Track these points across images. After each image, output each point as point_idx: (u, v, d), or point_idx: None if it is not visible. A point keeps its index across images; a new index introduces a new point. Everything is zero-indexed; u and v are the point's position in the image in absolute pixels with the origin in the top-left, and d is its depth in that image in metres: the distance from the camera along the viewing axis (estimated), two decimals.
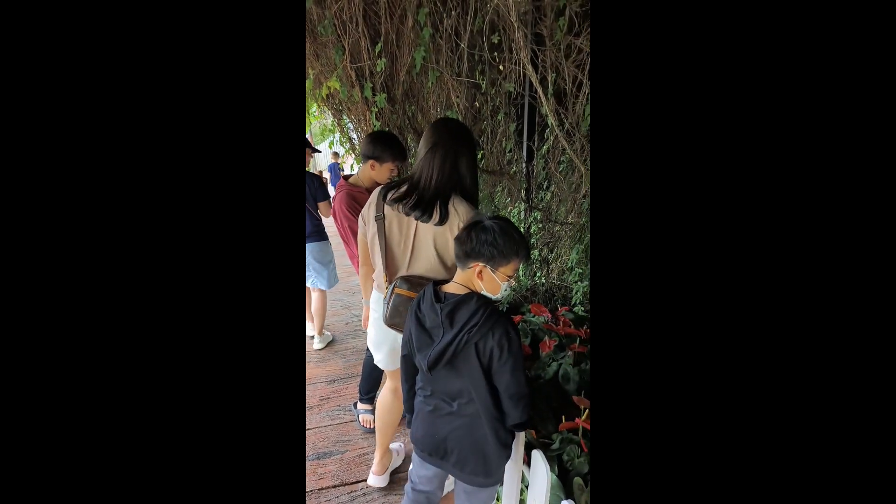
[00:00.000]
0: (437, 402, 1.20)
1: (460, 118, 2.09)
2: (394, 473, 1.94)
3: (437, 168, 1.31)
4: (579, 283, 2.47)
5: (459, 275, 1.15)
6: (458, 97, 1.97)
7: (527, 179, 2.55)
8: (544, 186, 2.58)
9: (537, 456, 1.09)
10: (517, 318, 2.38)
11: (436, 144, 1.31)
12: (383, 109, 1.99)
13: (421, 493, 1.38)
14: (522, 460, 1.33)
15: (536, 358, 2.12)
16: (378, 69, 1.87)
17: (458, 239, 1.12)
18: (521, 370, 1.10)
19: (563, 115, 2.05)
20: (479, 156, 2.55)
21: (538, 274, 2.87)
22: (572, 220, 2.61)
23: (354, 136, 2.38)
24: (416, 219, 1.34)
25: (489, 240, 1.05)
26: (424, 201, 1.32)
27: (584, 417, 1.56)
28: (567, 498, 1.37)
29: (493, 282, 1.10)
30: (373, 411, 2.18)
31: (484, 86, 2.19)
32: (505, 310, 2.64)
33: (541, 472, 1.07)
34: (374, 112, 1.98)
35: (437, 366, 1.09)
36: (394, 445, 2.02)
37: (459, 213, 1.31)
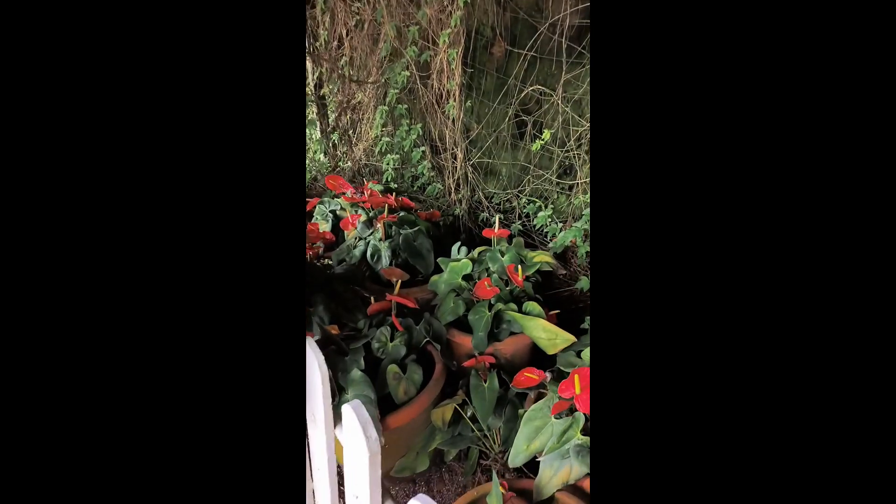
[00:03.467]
0: None
1: None
2: None
3: None
4: (389, 154, 2.03)
5: None
6: None
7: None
8: (325, 25, 1.92)
9: (307, 348, 0.64)
10: (313, 201, 1.84)
11: None
12: None
13: None
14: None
15: (340, 243, 1.67)
16: None
17: None
18: None
19: None
20: None
21: (343, 158, 2.32)
22: (374, 79, 2.07)
23: None
24: None
25: None
26: None
27: (395, 291, 1.20)
28: (381, 393, 1.02)
29: None
30: None
31: None
32: None
33: (312, 369, 0.63)
34: None
35: None
36: None
37: None
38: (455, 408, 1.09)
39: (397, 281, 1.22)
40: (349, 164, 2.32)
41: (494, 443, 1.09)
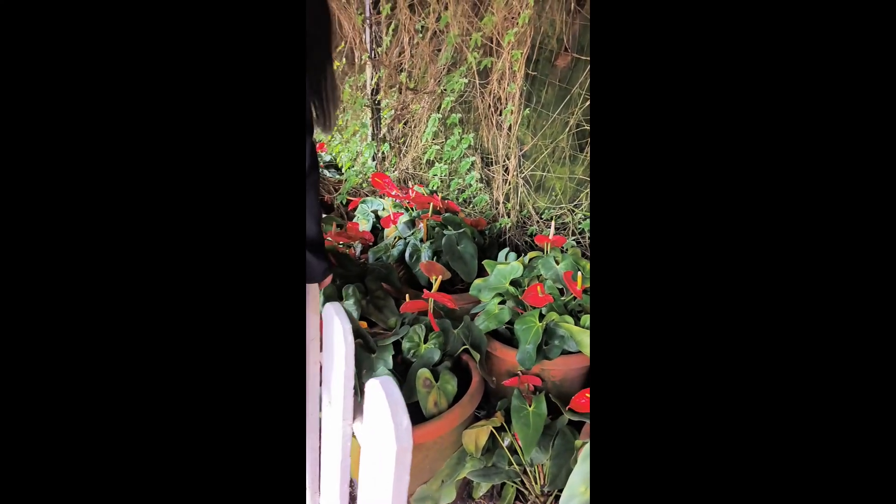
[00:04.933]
0: None
1: None
2: None
3: None
4: (439, 164, 1.96)
5: None
6: None
7: (367, 18, 1.86)
8: (390, 32, 1.94)
9: (329, 311, 0.52)
10: (355, 201, 1.78)
11: None
12: None
13: None
14: (318, 344, 0.75)
15: (380, 242, 1.58)
16: None
17: None
18: None
19: None
20: None
21: (389, 168, 2.28)
22: (430, 88, 2.04)
23: None
24: None
25: None
26: None
27: (435, 288, 1.07)
28: (409, 401, 0.87)
29: None
30: None
31: None
32: (346, 202, 2.02)
33: (337, 339, 0.50)
34: None
35: None
36: None
37: None
38: (491, 431, 0.91)
39: (437, 278, 1.09)
40: (396, 172, 2.27)
41: (537, 482, 0.90)
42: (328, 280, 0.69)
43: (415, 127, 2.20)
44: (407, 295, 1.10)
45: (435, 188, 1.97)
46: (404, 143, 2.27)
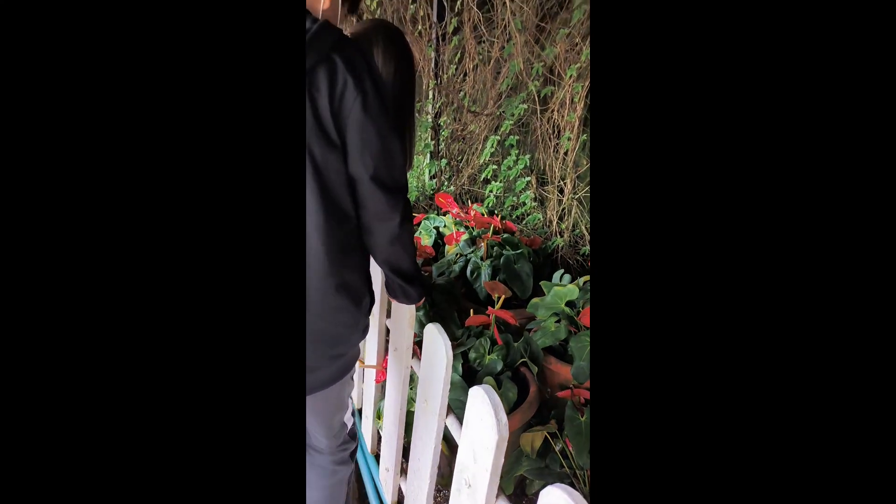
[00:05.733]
0: None
1: None
2: None
3: None
4: (493, 182, 2.09)
5: None
6: None
7: (435, 48, 2.03)
8: (456, 61, 2.09)
9: (431, 331, 0.67)
10: (419, 216, 1.95)
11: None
12: None
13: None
14: (410, 351, 0.91)
15: (439, 258, 1.73)
16: None
17: None
18: (390, 128, 0.60)
19: None
20: (374, 3, 1.94)
21: (446, 183, 2.45)
22: (489, 111, 2.19)
23: None
24: None
25: None
26: None
27: (498, 306, 1.20)
28: None
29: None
30: None
31: None
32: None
33: (437, 352, 0.65)
34: None
35: None
36: None
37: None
38: (546, 436, 1.03)
39: (500, 297, 1.22)
40: (452, 188, 2.43)
41: (586, 485, 1.00)
42: (421, 301, 0.84)
43: (473, 146, 2.34)
44: (472, 310, 1.23)
45: (490, 205, 2.10)
46: (462, 161, 2.42)
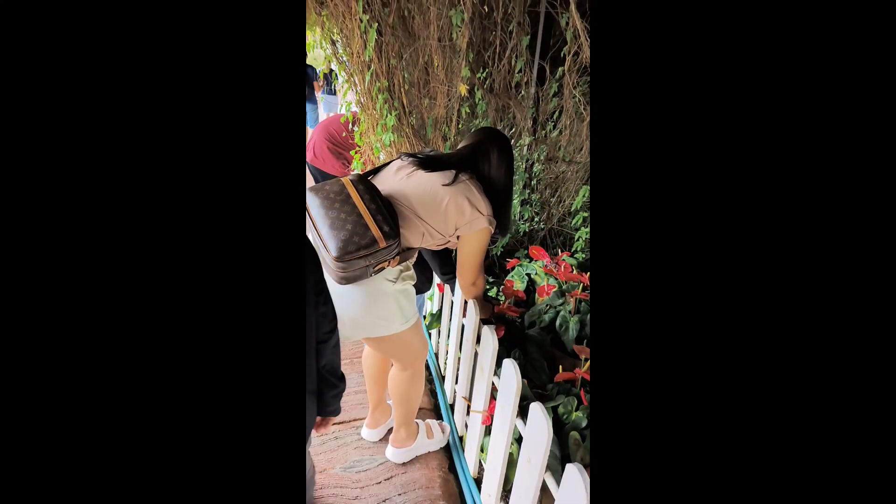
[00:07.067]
0: None
1: (465, 19, 1.74)
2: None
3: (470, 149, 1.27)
4: (583, 228, 2.25)
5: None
6: None
7: (535, 107, 2.24)
8: (554, 117, 2.28)
9: (537, 410, 0.91)
10: (513, 261, 2.18)
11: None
12: (372, 0, 1.63)
13: None
14: (515, 412, 1.16)
15: (532, 304, 1.95)
16: None
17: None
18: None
19: (587, 29, 1.71)
20: (483, 75, 2.20)
21: (536, 219, 2.64)
22: (581, 158, 2.34)
23: (337, 39, 2.02)
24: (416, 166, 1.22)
25: None
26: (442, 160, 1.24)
27: (584, 368, 1.40)
28: (563, 452, 1.23)
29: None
30: None
31: None
32: (499, 254, 2.45)
33: (540, 427, 0.89)
34: (361, 3, 1.63)
35: None
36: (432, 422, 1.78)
37: (469, 198, 1.18)
38: None
39: (586, 359, 1.42)
40: (543, 225, 2.61)
41: None
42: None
43: (564, 188, 2.51)
44: (560, 366, 1.45)
45: (579, 248, 2.26)
46: (554, 201, 2.59)
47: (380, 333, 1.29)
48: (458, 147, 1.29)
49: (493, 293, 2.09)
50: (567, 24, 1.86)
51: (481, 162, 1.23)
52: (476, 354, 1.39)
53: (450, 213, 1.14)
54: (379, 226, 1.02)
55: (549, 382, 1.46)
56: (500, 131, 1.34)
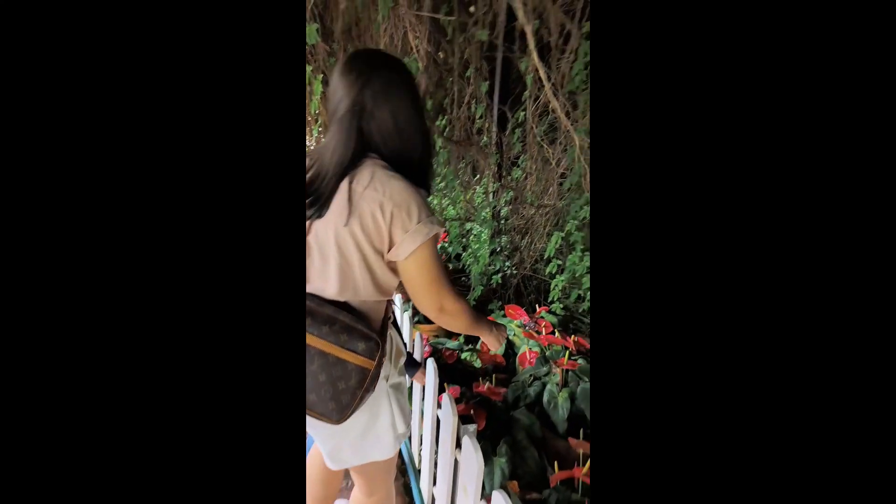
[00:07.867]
0: None
1: (420, 67, 1.59)
2: None
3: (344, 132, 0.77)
4: (559, 276, 2.11)
5: None
6: (417, 38, 1.47)
7: (498, 152, 2.11)
8: (519, 162, 2.16)
9: (499, 498, 0.70)
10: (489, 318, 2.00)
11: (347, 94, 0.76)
12: (316, 46, 1.45)
13: None
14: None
15: (513, 374, 1.76)
16: None
17: None
18: None
19: (547, 73, 1.60)
20: (443, 122, 2.05)
21: (507, 264, 2.49)
22: (548, 201, 2.22)
23: None
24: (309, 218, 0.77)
25: None
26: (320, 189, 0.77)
27: (584, 470, 1.21)
28: None
29: None
30: None
31: (450, 32, 1.69)
32: (473, 304, 2.26)
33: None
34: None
35: None
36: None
37: (379, 191, 0.74)
38: None
39: (584, 454, 1.23)
40: (516, 270, 2.46)
41: None
42: None
43: (534, 235, 2.38)
44: (556, 463, 1.25)
45: (556, 298, 2.11)
46: (525, 248, 2.46)
47: (375, 458, 0.93)
48: (321, 144, 0.84)
49: (466, 356, 1.88)
50: (526, 68, 1.76)
51: (368, 135, 0.77)
52: (456, 463, 1.16)
53: (370, 258, 0.76)
54: (352, 348, 0.78)
55: (540, 471, 1.26)
56: (365, 53, 0.84)
